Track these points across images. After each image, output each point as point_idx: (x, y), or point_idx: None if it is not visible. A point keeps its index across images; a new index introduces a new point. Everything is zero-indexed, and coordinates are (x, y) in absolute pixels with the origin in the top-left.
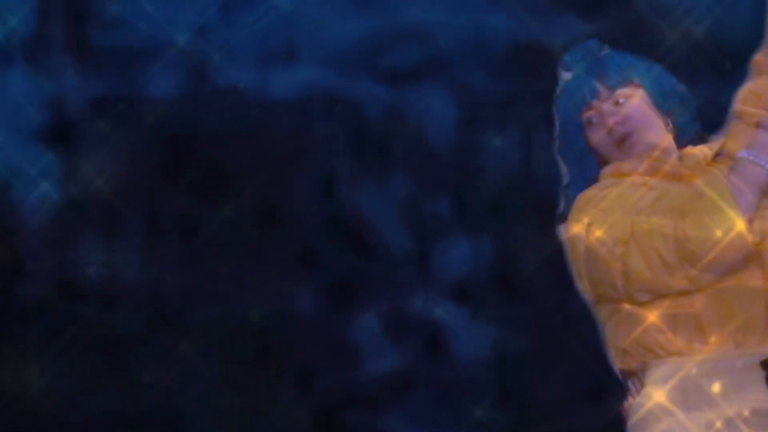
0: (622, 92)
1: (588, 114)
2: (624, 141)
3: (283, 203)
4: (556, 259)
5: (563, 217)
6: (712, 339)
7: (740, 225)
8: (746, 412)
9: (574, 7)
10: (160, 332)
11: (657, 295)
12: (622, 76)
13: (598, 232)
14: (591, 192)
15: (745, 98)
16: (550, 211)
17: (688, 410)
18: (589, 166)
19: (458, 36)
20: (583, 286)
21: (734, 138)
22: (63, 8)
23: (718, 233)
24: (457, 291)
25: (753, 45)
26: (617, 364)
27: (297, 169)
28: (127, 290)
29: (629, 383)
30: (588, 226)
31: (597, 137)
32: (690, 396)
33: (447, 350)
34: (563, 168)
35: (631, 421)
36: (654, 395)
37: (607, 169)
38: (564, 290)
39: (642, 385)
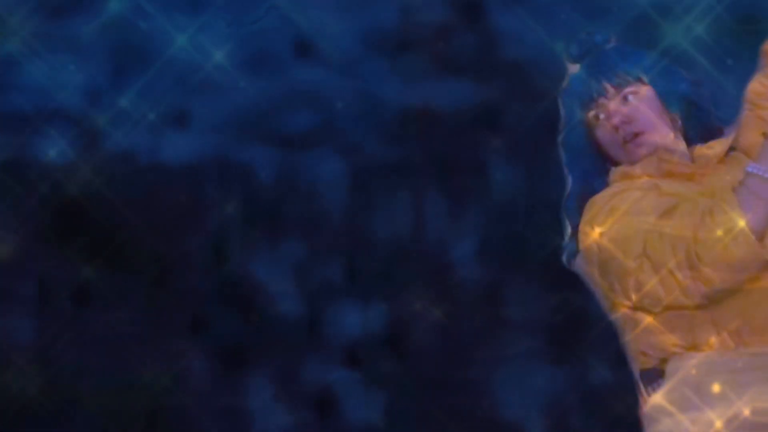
0: (628, 90)
1: (594, 112)
2: (630, 141)
3: (175, 268)
4: (446, 323)
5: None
6: (712, 339)
7: (752, 242)
8: (747, 412)
9: (464, 71)
10: (51, 398)
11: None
12: (629, 72)
13: (610, 244)
14: (601, 198)
15: (756, 89)
16: (440, 276)
17: (688, 410)
18: (590, 165)
19: (350, 101)
20: (600, 293)
21: (746, 132)
22: None
23: (731, 253)
24: (349, 356)
25: (755, 41)
26: (639, 365)
27: (189, 233)
28: (18, 355)
29: (647, 378)
30: (600, 236)
31: (604, 136)
32: (690, 396)
33: (339, 415)
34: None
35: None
36: (653, 396)
37: (617, 173)
38: (454, 354)
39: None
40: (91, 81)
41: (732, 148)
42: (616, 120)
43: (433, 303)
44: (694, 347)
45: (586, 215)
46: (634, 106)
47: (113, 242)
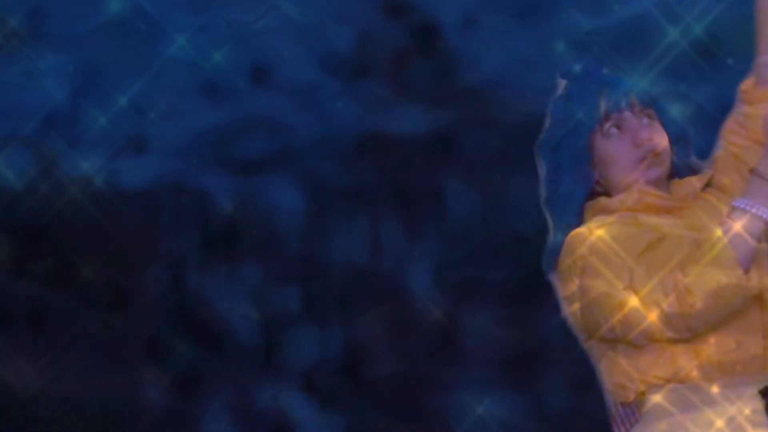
0: (648, 112)
1: (611, 124)
2: (648, 158)
3: (131, 293)
4: (403, 348)
5: (552, 256)
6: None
7: (741, 277)
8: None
9: (421, 97)
10: (6, 422)
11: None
12: (643, 97)
13: (594, 278)
14: (582, 233)
15: (731, 128)
16: (397, 301)
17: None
18: (585, 170)
19: (307, 126)
20: (577, 326)
21: (722, 170)
22: None
23: (720, 287)
24: (306, 382)
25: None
26: (615, 398)
27: (145, 259)
28: None
29: (623, 412)
30: (582, 270)
31: (617, 148)
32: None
33: None
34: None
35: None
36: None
37: (596, 204)
38: (411, 380)
39: (637, 417)
40: (49, 105)
41: (707, 185)
42: (643, 135)
43: (389, 329)
44: (675, 379)
45: (567, 250)
46: (657, 127)
47: (69, 266)
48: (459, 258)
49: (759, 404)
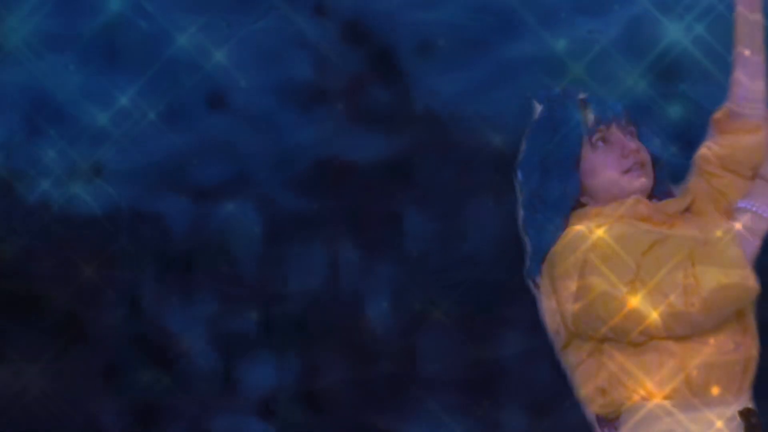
0: (632, 129)
1: (599, 136)
2: (633, 170)
3: (88, 319)
4: (360, 374)
5: (534, 269)
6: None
7: (743, 276)
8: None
9: (378, 123)
10: None
11: (653, 338)
12: (629, 117)
13: (597, 273)
14: (582, 232)
15: (705, 156)
16: (354, 328)
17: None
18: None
19: (264, 152)
20: (562, 324)
21: (700, 197)
22: None
23: (729, 282)
24: (263, 407)
25: None
26: (593, 406)
27: (102, 284)
28: None
29: (608, 428)
30: (583, 264)
31: (604, 160)
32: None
33: None
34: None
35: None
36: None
37: (583, 214)
38: (368, 406)
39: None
40: (6, 132)
41: (686, 210)
42: (632, 146)
43: (347, 355)
44: (657, 392)
45: (565, 246)
46: (640, 144)
47: (26, 293)
48: (416, 283)
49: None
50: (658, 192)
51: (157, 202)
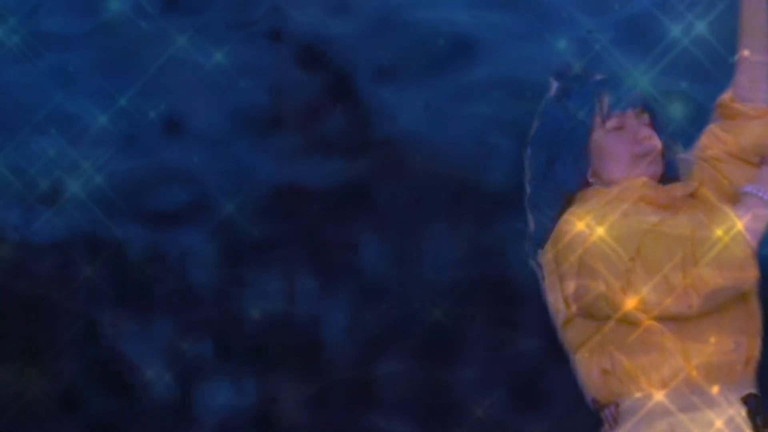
0: (645, 117)
1: (616, 121)
2: (646, 156)
3: (46, 346)
4: (318, 400)
5: (537, 244)
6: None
7: (751, 257)
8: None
9: (335, 149)
10: None
11: (651, 316)
12: (644, 103)
13: (599, 246)
14: (580, 211)
15: (710, 142)
16: (312, 353)
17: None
18: (584, 163)
19: (221, 178)
20: (565, 301)
21: (704, 183)
22: None
23: (731, 264)
24: None
25: None
26: (593, 389)
27: (59, 311)
28: None
29: (606, 413)
30: (580, 271)
31: (616, 144)
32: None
33: None
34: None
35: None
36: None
37: (589, 194)
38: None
39: (617, 419)
40: None
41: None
42: (645, 133)
43: (304, 380)
44: (658, 382)
45: (567, 220)
46: (653, 132)
47: None
48: (373, 309)
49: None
50: (666, 181)
51: (114, 227)
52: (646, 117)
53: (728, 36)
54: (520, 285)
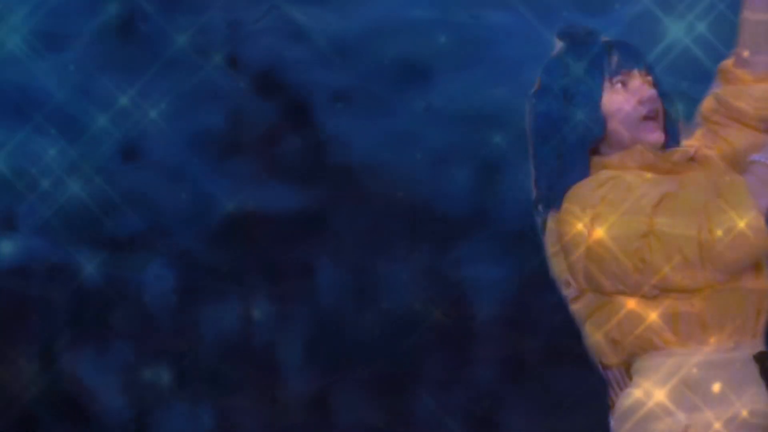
0: (651, 78)
1: (620, 79)
2: (651, 118)
3: (2, 371)
4: (274, 426)
5: (545, 206)
6: (712, 339)
7: (762, 225)
8: (745, 413)
9: (292, 175)
10: None
11: (665, 291)
12: (648, 65)
13: (607, 226)
14: (588, 184)
15: (712, 107)
16: (268, 379)
17: (688, 410)
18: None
19: (177, 204)
20: (572, 278)
21: (706, 146)
22: None
23: (744, 234)
24: None
25: None
26: (603, 357)
27: (16, 337)
28: None
29: (613, 375)
30: (593, 219)
31: (622, 104)
32: (690, 396)
33: None
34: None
35: (631, 421)
36: (654, 395)
37: (596, 162)
38: None
39: (626, 381)
40: None
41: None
42: (651, 93)
43: (261, 407)
44: (692, 346)
45: (573, 202)
46: (657, 94)
47: None
48: (330, 335)
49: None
50: (669, 145)
51: (71, 253)
52: (650, 78)
53: (729, 35)
54: (476, 311)
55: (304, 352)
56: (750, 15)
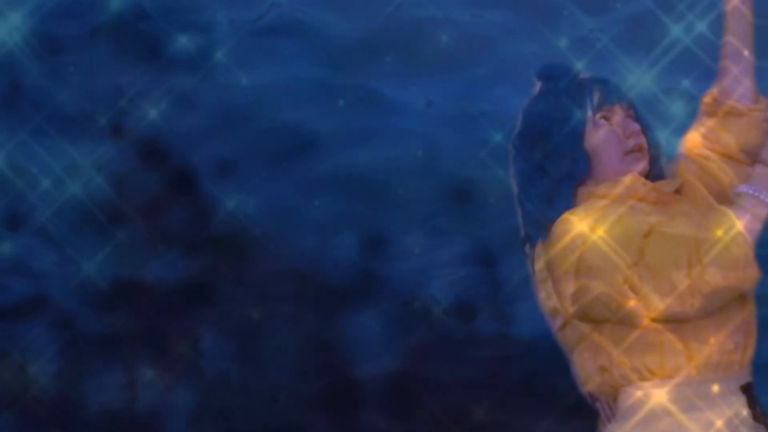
0: (632, 113)
1: (602, 115)
2: (634, 152)
3: None
4: None
5: (532, 244)
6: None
7: (751, 255)
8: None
9: (176, 244)
10: None
11: (654, 321)
12: (630, 100)
13: (600, 246)
14: (579, 212)
15: (695, 141)
16: None
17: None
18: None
19: (62, 272)
20: (562, 303)
21: (690, 179)
22: None
23: (733, 264)
24: None
25: (757, 39)
26: (592, 385)
27: None
28: None
29: (601, 406)
30: (580, 271)
31: (607, 139)
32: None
33: None
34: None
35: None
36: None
37: (583, 193)
38: None
39: (614, 410)
40: None
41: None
42: (634, 128)
43: None
44: (658, 379)
45: (564, 228)
46: (640, 128)
47: None
48: (215, 404)
49: (758, 405)
50: (652, 178)
51: None
52: (632, 112)
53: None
54: (362, 380)
55: (188, 421)
56: (731, 52)
